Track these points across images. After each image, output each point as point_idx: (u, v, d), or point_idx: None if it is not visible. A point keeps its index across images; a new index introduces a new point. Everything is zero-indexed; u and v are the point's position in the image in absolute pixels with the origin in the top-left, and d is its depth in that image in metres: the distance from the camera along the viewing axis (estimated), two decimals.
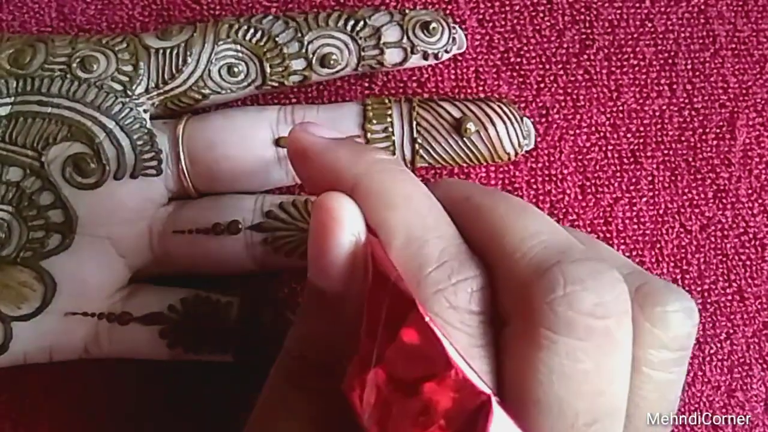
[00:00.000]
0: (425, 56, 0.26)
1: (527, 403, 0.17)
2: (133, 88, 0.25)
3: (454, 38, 0.26)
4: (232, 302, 0.26)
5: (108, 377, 0.28)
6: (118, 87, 0.25)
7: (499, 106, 0.26)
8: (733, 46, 0.30)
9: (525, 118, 0.27)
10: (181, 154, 0.26)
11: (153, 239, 0.26)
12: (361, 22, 0.26)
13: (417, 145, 0.26)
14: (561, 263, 0.17)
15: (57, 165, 0.25)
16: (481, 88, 0.29)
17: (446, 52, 0.26)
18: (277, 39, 0.26)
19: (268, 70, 0.26)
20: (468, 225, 0.19)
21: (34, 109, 0.25)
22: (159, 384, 0.28)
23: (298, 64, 0.26)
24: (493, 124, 0.26)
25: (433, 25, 0.26)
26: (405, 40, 0.26)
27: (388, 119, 0.26)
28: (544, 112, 0.29)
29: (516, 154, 0.26)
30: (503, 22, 0.30)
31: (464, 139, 0.26)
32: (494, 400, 0.15)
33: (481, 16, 0.30)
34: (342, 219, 0.18)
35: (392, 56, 0.26)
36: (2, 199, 0.25)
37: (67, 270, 0.25)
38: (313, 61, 0.26)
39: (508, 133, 0.26)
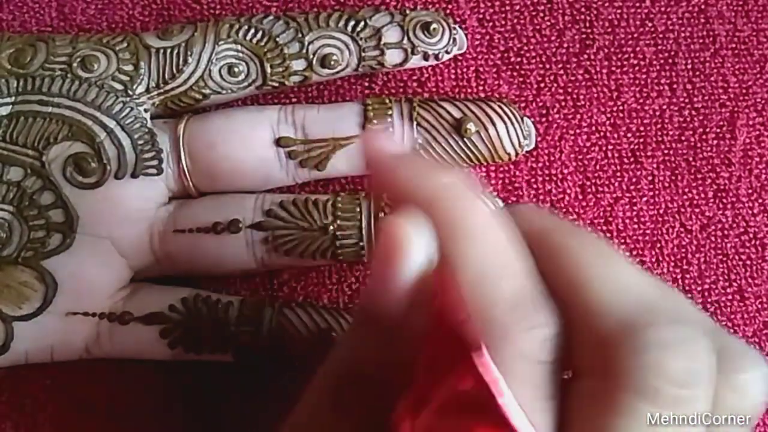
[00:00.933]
0: (426, 57, 0.26)
1: None
2: (134, 87, 0.25)
3: (454, 39, 0.27)
4: (232, 302, 0.26)
5: (108, 377, 0.28)
6: (119, 86, 0.25)
7: (499, 106, 0.26)
8: (734, 45, 0.30)
9: (525, 118, 0.27)
10: (182, 153, 0.26)
11: (154, 239, 0.26)
12: (362, 23, 0.26)
13: (417, 146, 0.26)
14: (652, 326, 0.16)
15: (58, 164, 0.25)
16: (481, 88, 0.29)
17: (447, 52, 0.26)
18: (277, 39, 0.26)
19: (268, 70, 0.26)
20: (548, 264, 0.18)
21: (34, 109, 0.25)
22: (159, 384, 0.28)
23: (298, 65, 0.26)
24: (494, 124, 0.26)
25: (434, 26, 0.26)
26: (405, 41, 0.26)
27: (389, 119, 0.26)
28: (544, 111, 0.29)
29: (516, 154, 0.26)
30: (503, 22, 0.30)
31: (465, 139, 0.26)
32: None
33: (481, 16, 0.30)
34: (415, 243, 0.17)
35: (393, 57, 0.26)
36: (3, 198, 0.25)
37: (68, 270, 0.25)
38: (314, 62, 0.26)
39: (508, 133, 0.26)
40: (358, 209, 0.25)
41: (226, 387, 0.27)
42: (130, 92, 0.25)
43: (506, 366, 0.16)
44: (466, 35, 0.29)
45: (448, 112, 0.26)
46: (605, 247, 0.18)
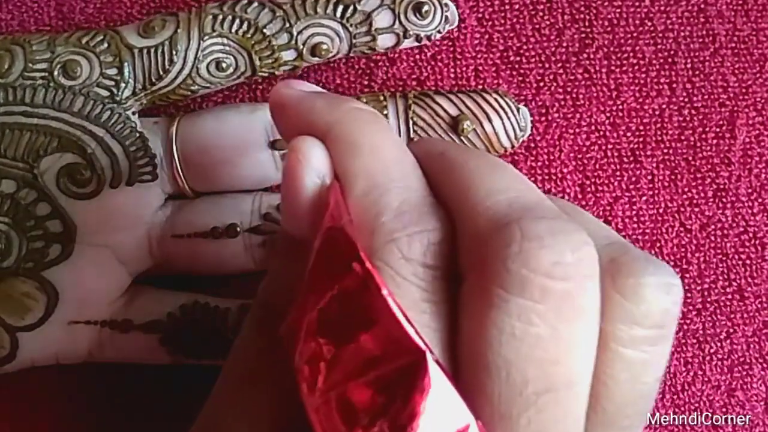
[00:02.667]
0: (418, 39, 0.26)
1: (477, 366, 0.16)
2: (120, 92, 0.25)
3: (446, 17, 0.26)
4: (230, 308, 0.26)
5: (108, 377, 0.28)
6: (105, 93, 0.25)
7: (495, 99, 0.26)
8: (733, 45, 0.30)
9: (521, 108, 0.26)
10: (175, 156, 0.25)
11: (152, 244, 0.26)
12: (351, 8, 0.25)
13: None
14: (522, 219, 0.16)
15: (51, 176, 0.25)
16: (480, 87, 0.29)
17: (439, 32, 0.26)
18: (264, 30, 0.25)
19: (257, 62, 0.25)
20: (438, 179, 0.18)
21: (20, 121, 0.24)
22: (159, 384, 0.28)
23: (288, 55, 0.25)
24: (489, 120, 0.26)
25: (426, 7, 0.25)
26: (397, 24, 0.25)
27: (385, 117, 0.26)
28: (543, 110, 0.29)
29: (512, 146, 0.26)
30: (503, 21, 0.30)
31: (461, 137, 0.26)
32: (429, 357, 0.15)
33: (480, 15, 0.30)
34: (309, 162, 0.18)
35: (384, 41, 0.26)
36: None
37: (68, 279, 0.25)
38: (304, 52, 0.25)
39: (504, 127, 0.26)
40: (384, 111, 0.25)
41: None
42: (116, 98, 0.25)
43: (391, 268, 0.16)
44: (465, 34, 0.29)
45: (444, 110, 0.26)
46: (496, 160, 0.18)
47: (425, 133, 0.26)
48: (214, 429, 0.20)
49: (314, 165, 0.18)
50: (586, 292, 0.16)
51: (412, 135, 0.26)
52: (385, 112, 0.26)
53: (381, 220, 0.17)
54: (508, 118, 0.26)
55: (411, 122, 0.26)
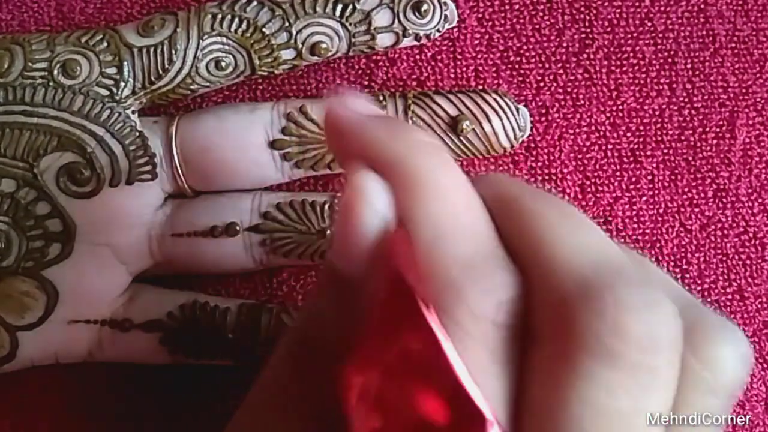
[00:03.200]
0: (417, 38, 0.26)
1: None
2: (120, 92, 0.25)
3: (446, 16, 0.26)
4: (230, 308, 0.26)
5: (108, 377, 0.28)
6: (105, 92, 0.25)
7: (494, 99, 0.26)
8: (733, 45, 0.30)
9: (521, 108, 0.26)
10: (175, 156, 0.25)
11: (152, 243, 0.26)
12: (350, 7, 0.25)
13: None
14: (613, 287, 0.15)
15: (50, 175, 0.24)
16: (480, 87, 0.29)
17: (438, 31, 0.26)
18: (264, 30, 0.25)
19: (256, 61, 0.25)
20: (511, 230, 0.17)
21: (19, 120, 0.24)
22: (159, 384, 0.28)
23: (287, 54, 0.25)
24: (489, 120, 0.26)
25: (425, 6, 0.25)
26: (396, 23, 0.25)
27: None
28: (543, 111, 0.29)
29: (512, 146, 0.26)
30: (503, 21, 0.30)
31: (460, 137, 0.26)
32: (496, 427, 0.14)
33: (480, 15, 0.30)
34: (371, 202, 0.17)
35: (383, 41, 0.26)
36: None
37: (68, 278, 0.25)
38: (303, 51, 0.25)
39: (503, 127, 0.26)
40: (384, 111, 0.25)
41: (226, 388, 0.27)
42: (116, 97, 0.25)
43: (460, 327, 0.15)
44: (465, 34, 0.29)
45: (444, 110, 0.26)
46: (570, 209, 0.17)
47: None
48: None
49: (376, 206, 0.17)
50: (673, 365, 0.15)
51: None
52: (384, 112, 0.26)
53: (450, 274, 0.16)
54: (508, 119, 0.26)
55: (410, 122, 0.26)
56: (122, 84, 0.25)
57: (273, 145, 0.25)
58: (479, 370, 0.15)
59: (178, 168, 0.26)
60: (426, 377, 0.15)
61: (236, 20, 0.25)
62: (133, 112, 0.25)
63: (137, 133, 0.25)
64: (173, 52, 0.25)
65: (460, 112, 0.26)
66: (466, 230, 0.17)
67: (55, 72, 0.24)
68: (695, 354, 0.16)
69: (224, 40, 0.25)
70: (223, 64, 0.25)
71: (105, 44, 0.25)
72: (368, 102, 0.19)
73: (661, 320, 0.15)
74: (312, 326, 0.19)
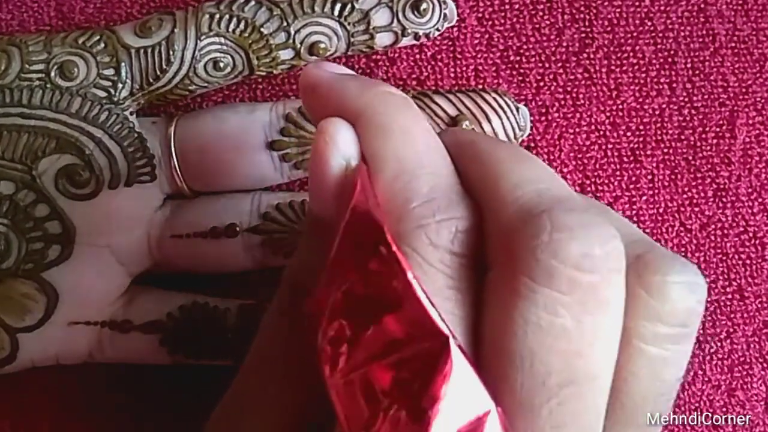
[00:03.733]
0: (416, 37, 0.25)
1: (500, 355, 0.16)
2: (118, 93, 0.25)
3: (445, 15, 0.25)
4: (229, 308, 0.26)
5: (108, 377, 0.28)
6: (102, 94, 0.24)
7: (494, 98, 0.26)
8: (733, 44, 0.30)
9: (521, 107, 0.26)
10: (173, 157, 0.25)
11: (151, 244, 0.26)
12: (349, 6, 0.25)
13: None
14: (552, 210, 0.16)
15: (49, 177, 0.24)
16: (480, 87, 0.29)
17: (437, 30, 0.26)
18: (262, 29, 0.25)
19: (255, 62, 0.25)
20: (467, 168, 0.18)
21: (17, 122, 0.24)
22: (159, 384, 0.28)
23: (285, 54, 0.25)
24: (488, 119, 0.26)
25: (424, 5, 0.25)
26: (395, 23, 0.25)
27: None
28: (543, 110, 0.29)
29: None
30: (503, 21, 0.30)
31: None
32: (452, 342, 0.15)
33: (480, 15, 0.30)
34: (336, 143, 0.18)
35: (382, 40, 0.25)
36: None
37: (68, 280, 0.25)
38: (302, 51, 0.25)
39: (503, 126, 0.26)
40: None
41: (226, 388, 0.27)
42: (114, 98, 0.25)
43: (418, 254, 0.16)
44: (465, 34, 0.29)
45: (443, 110, 0.26)
46: (522, 151, 0.19)
47: None
48: (238, 410, 0.20)
49: (341, 147, 0.18)
50: (612, 285, 0.16)
51: None
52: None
53: (410, 206, 0.17)
54: (507, 118, 0.26)
55: None
56: (120, 85, 0.25)
57: (272, 146, 0.25)
58: (437, 294, 0.16)
59: (177, 169, 0.26)
60: (387, 298, 0.15)
61: (234, 20, 0.25)
62: (131, 113, 0.25)
63: (136, 135, 0.25)
64: (171, 52, 0.24)
65: (460, 111, 0.26)
66: (426, 168, 0.17)
67: (53, 74, 0.24)
68: (640, 281, 0.16)
69: (222, 40, 0.25)
70: (221, 64, 0.25)
71: (102, 45, 0.25)
72: (339, 66, 0.20)
73: (596, 240, 0.15)
74: (299, 275, 0.20)
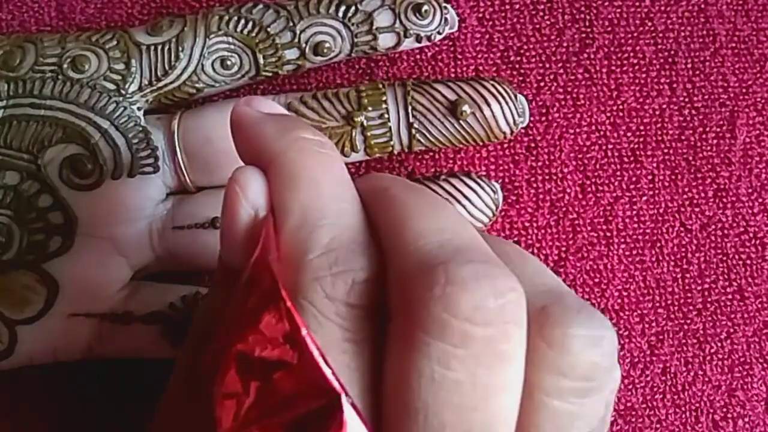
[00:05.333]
0: (418, 39, 0.26)
1: (398, 407, 0.15)
2: (127, 86, 0.25)
3: (446, 18, 0.26)
4: None
5: (108, 376, 0.28)
6: (111, 86, 0.25)
7: (493, 85, 0.26)
8: (733, 45, 0.30)
9: (519, 96, 0.26)
10: (178, 150, 0.26)
11: (153, 237, 0.26)
12: (353, 8, 0.26)
13: (414, 130, 0.26)
14: (449, 262, 0.15)
15: (54, 167, 0.25)
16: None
17: (439, 33, 0.26)
18: (269, 29, 0.26)
19: (261, 61, 0.26)
20: (377, 216, 0.18)
21: (27, 112, 0.25)
22: (159, 383, 0.28)
23: (291, 54, 0.26)
24: (488, 104, 0.26)
25: (425, 7, 0.26)
26: (397, 24, 0.26)
27: (384, 105, 0.26)
28: (544, 110, 0.29)
29: (511, 132, 0.26)
30: (503, 21, 0.30)
31: (460, 121, 0.26)
32: (344, 399, 0.14)
33: (481, 15, 0.30)
34: (246, 193, 0.18)
35: (385, 41, 0.26)
36: (0, 203, 0.25)
37: (69, 272, 0.25)
38: (306, 50, 0.26)
39: (503, 112, 0.26)
40: (384, 97, 0.26)
41: None
42: (122, 91, 0.25)
43: (314, 306, 0.16)
44: (465, 34, 0.29)
45: (443, 95, 0.26)
46: (438, 200, 0.18)
47: (425, 118, 0.26)
48: None
49: (250, 197, 0.18)
50: (508, 338, 0.15)
51: (411, 121, 0.26)
52: (384, 98, 0.26)
53: (308, 258, 0.17)
54: (507, 104, 0.26)
55: (410, 108, 0.26)
56: (129, 79, 0.25)
57: None
58: (333, 346, 0.16)
59: (181, 161, 0.26)
60: (280, 354, 0.15)
61: (242, 21, 0.26)
62: (139, 109, 0.26)
63: (141, 127, 0.25)
64: (180, 49, 0.25)
65: (459, 96, 0.26)
66: (329, 219, 0.17)
67: (65, 66, 0.25)
68: (541, 333, 0.16)
69: (230, 39, 0.26)
70: (229, 63, 0.26)
71: (115, 42, 0.25)
72: (275, 103, 0.21)
73: (490, 292, 0.15)
74: (206, 322, 0.20)
